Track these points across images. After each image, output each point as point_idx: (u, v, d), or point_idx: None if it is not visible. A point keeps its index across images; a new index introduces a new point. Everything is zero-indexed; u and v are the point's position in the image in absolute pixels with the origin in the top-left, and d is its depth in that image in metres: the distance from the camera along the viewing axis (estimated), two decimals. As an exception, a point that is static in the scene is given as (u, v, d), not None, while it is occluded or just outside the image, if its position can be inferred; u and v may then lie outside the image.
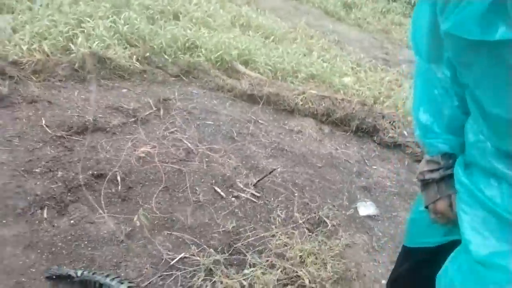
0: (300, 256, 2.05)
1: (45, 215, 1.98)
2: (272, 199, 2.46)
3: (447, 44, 0.86)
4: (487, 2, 0.70)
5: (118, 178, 2.28)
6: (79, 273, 1.68)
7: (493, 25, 0.71)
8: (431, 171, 1.06)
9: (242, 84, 3.35)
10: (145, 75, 3.23)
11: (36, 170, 2.19)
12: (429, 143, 1.08)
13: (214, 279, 1.84)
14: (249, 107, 3.29)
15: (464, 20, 0.75)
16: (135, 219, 2.05)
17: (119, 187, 2.24)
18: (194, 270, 1.87)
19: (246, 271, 1.89)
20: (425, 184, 1.09)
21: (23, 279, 1.67)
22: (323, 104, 3.40)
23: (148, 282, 1.79)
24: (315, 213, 2.42)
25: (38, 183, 2.13)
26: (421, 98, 1.09)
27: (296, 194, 2.55)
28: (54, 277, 1.69)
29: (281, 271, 1.94)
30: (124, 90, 3.05)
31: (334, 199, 2.60)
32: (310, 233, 2.25)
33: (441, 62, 0.99)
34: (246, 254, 2.02)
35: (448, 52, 0.91)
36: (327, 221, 2.37)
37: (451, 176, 1.03)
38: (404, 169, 3.18)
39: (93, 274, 1.68)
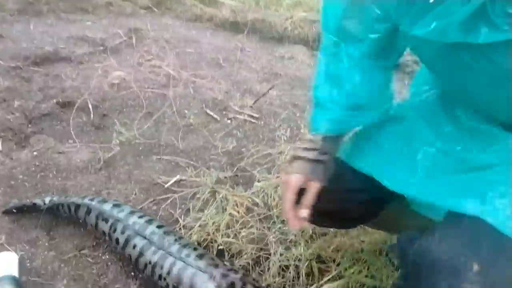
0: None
1: (0, 147, 1.59)
2: (273, 120, 2.12)
3: (417, 47, 0.87)
4: (472, 8, 0.70)
5: (90, 106, 1.90)
6: (47, 200, 1.32)
7: (475, 29, 0.72)
8: (307, 149, 0.97)
9: (222, 12, 2.97)
10: (111, 7, 2.81)
11: (-13, 101, 1.79)
12: (314, 119, 1.01)
13: (219, 197, 1.50)
14: (233, 36, 2.92)
15: (446, 26, 0.74)
16: (113, 143, 1.68)
17: (92, 115, 1.86)
18: (194, 192, 1.54)
19: (257, 184, 1.56)
20: (296, 158, 0.99)
21: (-25, 214, 1.31)
22: (314, 30, 3.06)
23: (140, 207, 1.44)
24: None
25: (-10, 114, 1.73)
26: (324, 73, 1.01)
27: (298, 115, 2.22)
28: (14, 210, 1.33)
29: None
30: (88, 23, 2.63)
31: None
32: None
33: (350, 43, 0.96)
34: (253, 171, 1.69)
35: (417, 54, 0.92)
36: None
37: (322, 162, 0.96)
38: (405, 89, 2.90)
39: (66, 197, 1.33)
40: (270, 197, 1.55)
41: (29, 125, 1.74)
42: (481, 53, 0.76)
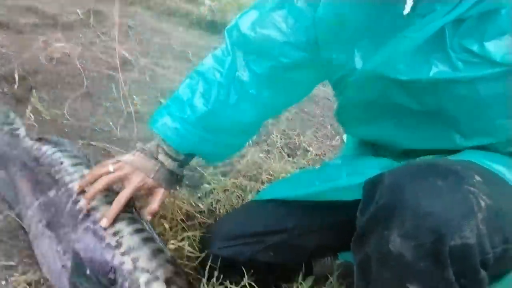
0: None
1: None
2: (240, 122, 1.81)
3: (360, 86, 0.79)
4: (420, 40, 0.67)
5: (16, 76, 1.55)
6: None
7: (425, 64, 0.68)
8: (169, 156, 0.91)
9: (200, 9, 2.70)
10: (74, -12, 2.51)
11: None
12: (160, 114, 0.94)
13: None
14: (208, 35, 2.64)
15: (392, 60, 0.70)
16: (27, 113, 1.33)
17: (15, 86, 1.52)
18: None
19: (205, 185, 1.22)
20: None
21: None
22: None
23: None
24: (295, 140, 1.80)
25: None
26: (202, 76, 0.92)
27: (269, 121, 1.92)
28: None
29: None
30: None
31: (316, 131, 2.00)
32: (290, 158, 1.62)
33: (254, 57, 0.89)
34: (204, 172, 1.36)
35: (360, 93, 0.82)
36: (310, 149, 1.76)
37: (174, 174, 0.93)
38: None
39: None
40: (217, 203, 1.22)
41: None
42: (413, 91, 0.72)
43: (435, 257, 0.53)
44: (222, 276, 0.90)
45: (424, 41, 0.67)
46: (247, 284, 0.90)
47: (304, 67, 0.89)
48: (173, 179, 0.94)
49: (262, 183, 1.39)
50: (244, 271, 0.89)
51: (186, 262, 1.00)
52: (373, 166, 0.83)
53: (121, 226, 0.86)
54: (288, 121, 1.98)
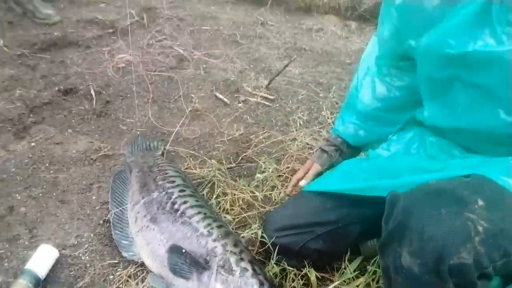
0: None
1: (-3, 139, 1.55)
2: (291, 101, 1.93)
3: (423, 62, 0.88)
4: (469, 16, 0.72)
5: (92, 92, 1.81)
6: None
7: (472, 38, 0.73)
8: (328, 143, 1.24)
9: (244, -16, 2.76)
10: (127, -13, 2.70)
11: (-12, 92, 1.75)
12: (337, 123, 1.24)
13: (217, 192, 1.36)
14: (255, 9, 2.71)
15: (443, 35, 0.76)
16: (112, 132, 1.58)
17: (94, 102, 1.77)
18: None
19: (258, 175, 1.39)
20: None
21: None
22: (346, -2, 2.78)
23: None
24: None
25: (-11, 105, 1.69)
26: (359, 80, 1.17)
27: (321, 95, 2.01)
28: None
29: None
30: (102, 5, 2.54)
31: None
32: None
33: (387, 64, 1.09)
34: (259, 161, 1.52)
35: (424, 70, 0.90)
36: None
37: (325, 151, 1.23)
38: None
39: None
40: (274, 190, 1.39)
41: (30, 115, 1.67)
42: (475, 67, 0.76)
43: (436, 273, 0.65)
44: (280, 260, 1.09)
45: (473, 16, 0.72)
46: (307, 265, 1.09)
47: None
48: (323, 156, 1.23)
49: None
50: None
51: (249, 246, 1.21)
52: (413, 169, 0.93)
53: (210, 221, 1.13)
54: (340, 91, 2.04)
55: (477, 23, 0.72)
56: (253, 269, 1.02)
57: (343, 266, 1.10)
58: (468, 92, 0.82)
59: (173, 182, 1.27)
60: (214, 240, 1.08)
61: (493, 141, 0.86)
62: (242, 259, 1.04)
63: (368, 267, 1.09)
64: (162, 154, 1.51)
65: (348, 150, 1.23)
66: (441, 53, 0.78)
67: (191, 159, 1.52)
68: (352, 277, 1.08)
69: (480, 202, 0.67)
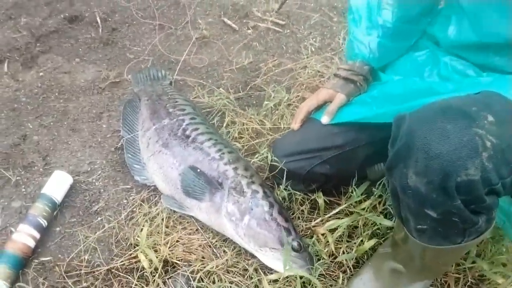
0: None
1: (5, 69, 1.54)
2: (303, 27, 1.85)
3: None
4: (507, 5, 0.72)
5: (98, 19, 1.76)
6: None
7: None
8: (344, 69, 1.09)
9: None
10: None
11: (-7, 19, 1.72)
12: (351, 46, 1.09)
13: (226, 121, 1.36)
14: None
15: (480, 24, 0.79)
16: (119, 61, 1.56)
17: (100, 29, 1.73)
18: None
19: (266, 102, 1.37)
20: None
21: (-27, 139, 1.30)
22: None
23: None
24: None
25: (-5, 34, 1.67)
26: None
27: (335, 19, 1.91)
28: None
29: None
30: None
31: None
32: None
33: None
34: (266, 88, 1.50)
35: None
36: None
37: (352, 81, 1.07)
38: None
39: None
40: (283, 118, 1.38)
41: (37, 44, 1.65)
42: None
43: (444, 191, 0.65)
44: (288, 184, 1.11)
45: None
46: (315, 189, 1.11)
47: None
48: (349, 86, 1.07)
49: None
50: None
51: (259, 172, 1.23)
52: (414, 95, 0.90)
53: (221, 146, 1.15)
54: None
55: None
56: (264, 192, 1.05)
57: (350, 190, 1.12)
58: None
59: (184, 110, 1.27)
60: (226, 164, 1.10)
61: None
62: (253, 182, 1.07)
63: (374, 189, 1.11)
64: (171, 84, 1.49)
65: (371, 77, 1.11)
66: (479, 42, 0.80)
67: (199, 88, 1.50)
68: (359, 200, 1.10)
69: (490, 118, 0.65)
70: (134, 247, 1.05)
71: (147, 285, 0.98)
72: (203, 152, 1.13)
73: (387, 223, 1.03)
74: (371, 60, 1.07)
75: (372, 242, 1.02)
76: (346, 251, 1.04)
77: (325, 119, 1.06)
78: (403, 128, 0.71)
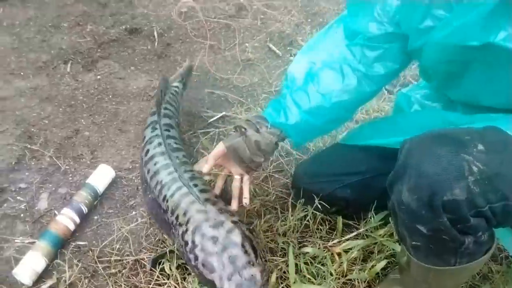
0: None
1: (68, 69, 1.71)
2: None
3: (428, 54, 0.88)
4: (489, 6, 0.71)
5: (155, 34, 1.92)
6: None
7: (495, 28, 0.72)
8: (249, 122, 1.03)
9: None
10: None
11: (64, 25, 1.91)
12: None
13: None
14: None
15: (464, 27, 0.76)
16: (170, 73, 1.69)
17: (156, 43, 1.89)
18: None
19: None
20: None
21: (32, 129, 1.44)
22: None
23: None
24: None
25: (64, 37, 1.85)
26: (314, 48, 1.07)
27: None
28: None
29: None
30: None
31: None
32: (390, 95, 1.72)
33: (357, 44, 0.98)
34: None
35: (425, 61, 0.93)
36: (413, 81, 1.80)
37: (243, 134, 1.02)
38: None
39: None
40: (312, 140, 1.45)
41: (98, 50, 1.82)
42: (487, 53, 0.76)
43: (431, 208, 0.71)
44: (307, 204, 1.17)
45: (494, 6, 0.72)
46: (335, 213, 1.16)
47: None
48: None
49: (356, 122, 1.56)
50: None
51: (283, 190, 1.30)
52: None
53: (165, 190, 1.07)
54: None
55: (498, 13, 0.71)
56: (192, 242, 0.95)
57: (369, 216, 1.16)
58: (488, 73, 0.82)
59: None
60: (171, 216, 1.04)
61: None
62: (186, 230, 0.98)
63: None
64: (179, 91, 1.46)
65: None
66: (460, 46, 0.79)
67: (238, 105, 1.60)
68: (376, 226, 1.14)
69: (480, 147, 0.70)
70: (162, 243, 1.14)
71: (168, 278, 1.06)
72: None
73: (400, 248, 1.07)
74: (292, 137, 1.03)
75: (383, 263, 1.06)
76: (359, 273, 1.08)
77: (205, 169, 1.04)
78: (403, 150, 0.77)
